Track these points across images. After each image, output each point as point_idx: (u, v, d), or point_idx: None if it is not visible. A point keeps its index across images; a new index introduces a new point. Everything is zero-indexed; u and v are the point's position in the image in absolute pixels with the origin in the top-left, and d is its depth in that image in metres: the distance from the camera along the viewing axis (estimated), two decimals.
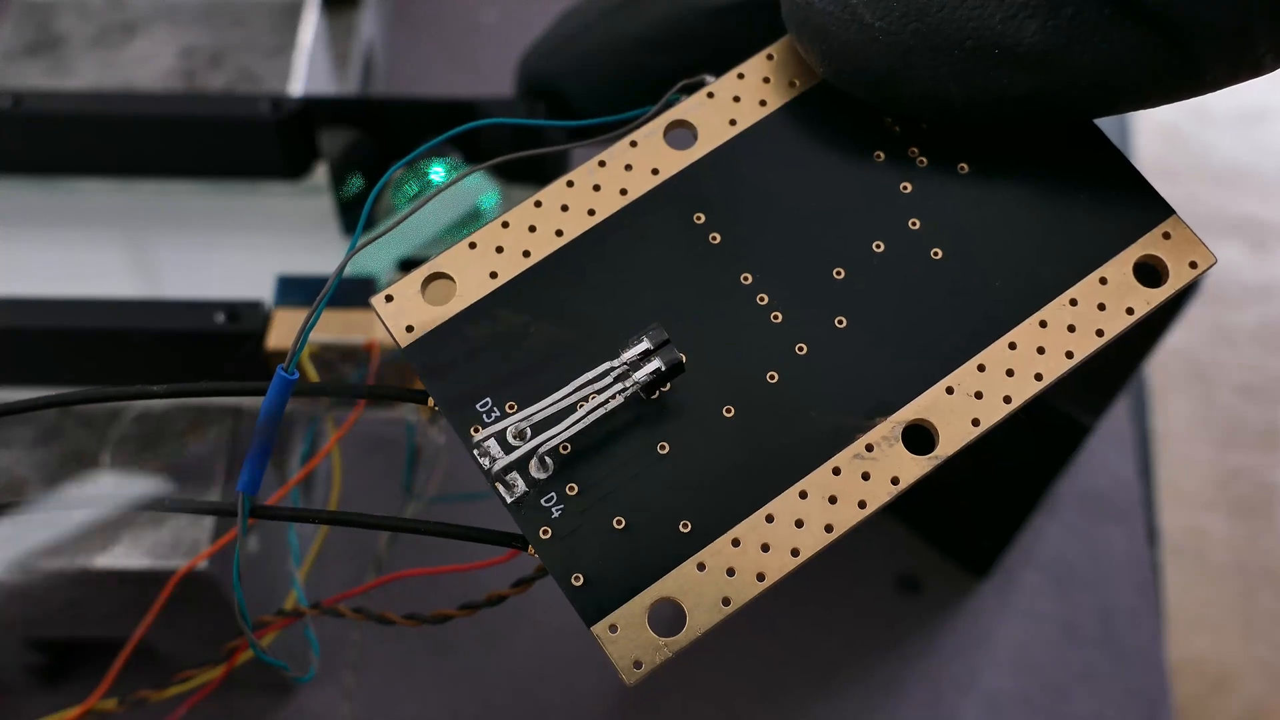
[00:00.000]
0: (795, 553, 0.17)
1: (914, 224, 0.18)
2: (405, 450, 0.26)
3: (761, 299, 0.18)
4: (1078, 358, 0.17)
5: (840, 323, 0.18)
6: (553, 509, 0.17)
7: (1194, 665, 0.36)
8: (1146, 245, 0.18)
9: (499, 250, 0.18)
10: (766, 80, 0.20)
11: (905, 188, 0.18)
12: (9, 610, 0.27)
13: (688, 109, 0.20)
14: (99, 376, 0.27)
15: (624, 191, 0.19)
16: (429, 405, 0.17)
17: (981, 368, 0.17)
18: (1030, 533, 0.36)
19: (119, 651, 0.23)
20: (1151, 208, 0.18)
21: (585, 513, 0.17)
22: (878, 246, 0.18)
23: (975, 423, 0.17)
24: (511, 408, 0.17)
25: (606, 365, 0.17)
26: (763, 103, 0.20)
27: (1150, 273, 0.18)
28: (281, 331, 0.25)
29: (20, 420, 0.27)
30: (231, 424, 0.27)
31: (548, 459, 0.17)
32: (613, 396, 0.17)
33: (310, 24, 0.35)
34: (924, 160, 0.18)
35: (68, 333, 0.26)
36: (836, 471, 0.17)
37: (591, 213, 0.19)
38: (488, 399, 0.17)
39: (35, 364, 0.27)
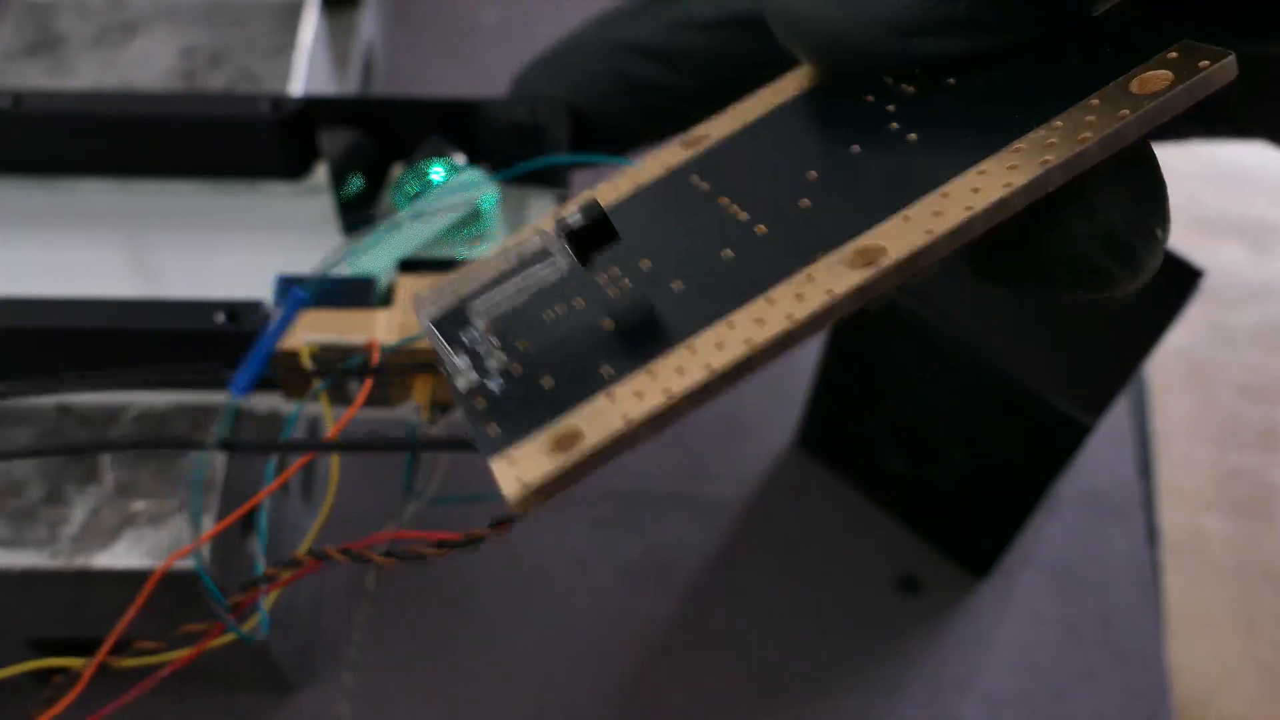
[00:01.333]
0: (709, 367, 0.15)
1: (894, 125, 0.18)
2: (406, 452, 0.26)
3: (732, 209, 0.18)
4: (1055, 161, 0.15)
5: (804, 204, 0.17)
6: (495, 388, 0.17)
7: (1194, 665, 0.36)
8: (1144, 69, 0.16)
9: None
10: (780, 90, 0.20)
11: (890, 109, 0.18)
12: (9, 610, 0.27)
13: (705, 125, 0.21)
14: (99, 378, 0.27)
15: (636, 184, 0.20)
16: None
17: (945, 194, 0.16)
18: (1030, 533, 0.36)
19: (118, 651, 0.23)
20: (1153, 40, 0.16)
21: (519, 381, 0.17)
22: (854, 149, 0.18)
23: (928, 233, 0.15)
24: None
25: (539, 231, 0.17)
26: (773, 102, 0.20)
27: (1150, 83, 0.16)
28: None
29: (20, 420, 0.27)
30: (231, 423, 0.27)
31: (500, 354, 0.17)
32: (549, 261, 0.17)
33: (310, 24, 0.35)
34: (911, 88, 0.18)
35: (68, 333, 0.26)
36: (771, 301, 0.16)
37: (607, 201, 0.20)
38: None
39: (35, 364, 0.27)
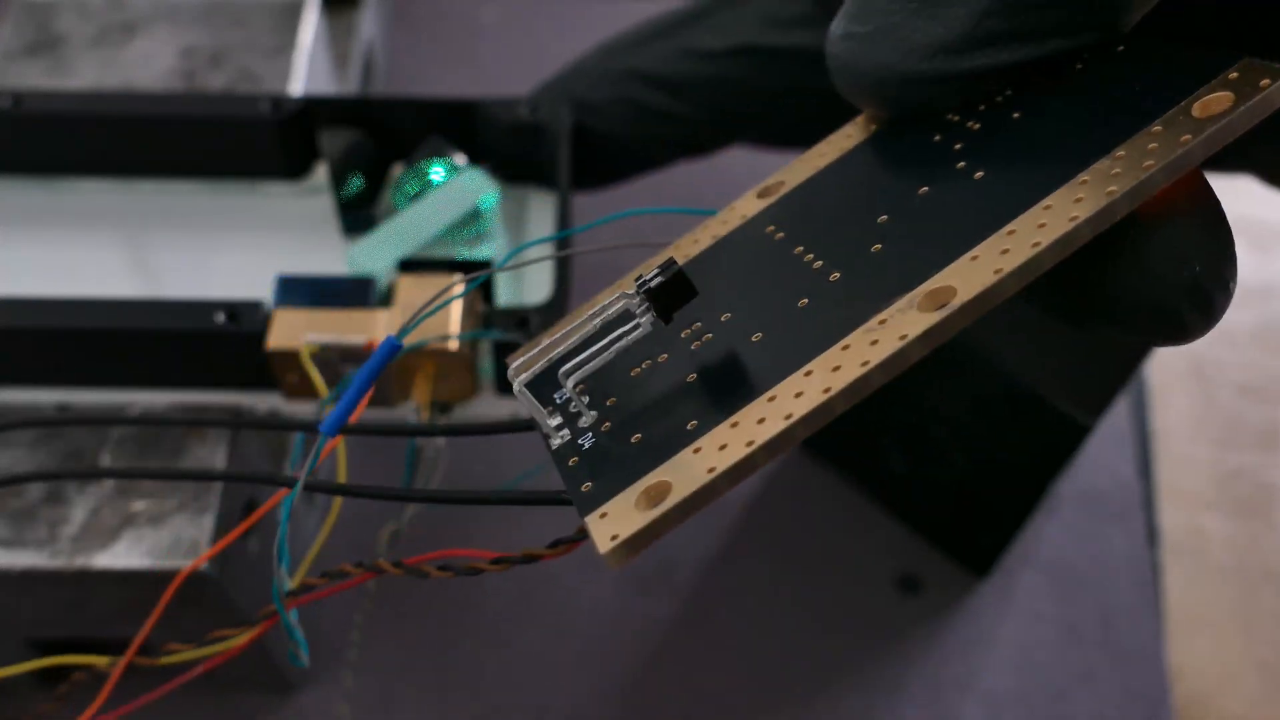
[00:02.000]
0: (788, 417, 0.16)
1: (960, 164, 0.18)
2: (405, 450, 0.26)
3: (807, 257, 0.18)
4: (1120, 191, 0.15)
5: (876, 249, 0.17)
6: (585, 444, 0.18)
7: (1194, 665, 0.36)
8: (1205, 93, 0.16)
9: None
10: (849, 136, 0.21)
11: (957, 147, 0.18)
12: (9, 610, 0.27)
13: (780, 172, 0.21)
14: (99, 376, 0.27)
15: (714, 236, 0.21)
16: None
17: (1011, 232, 0.16)
18: (1030, 533, 0.36)
19: (119, 652, 0.23)
20: (1212, 62, 0.16)
21: (609, 437, 0.17)
22: (922, 190, 0.18)
23: (997, 271, 0.15)
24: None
25: (621, 294, 0.18)
26: (842, 149, 0.20)
27: (1212, 106, 0.16)
28: (281, 331, 0.25)
29: (20, 420, 0.27)
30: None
31: (592, 411, 0.18)
32: (633, 322, 0.18)
33: (310, 24, 0.35)
34: (976, 125, 0.18)
35: (68, 333, 0.26)
36: (845, 347, 0.16)
37: (685, 256, 0.21)
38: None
39: (35, 364, 0.27)
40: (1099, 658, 0.34)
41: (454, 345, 0.25)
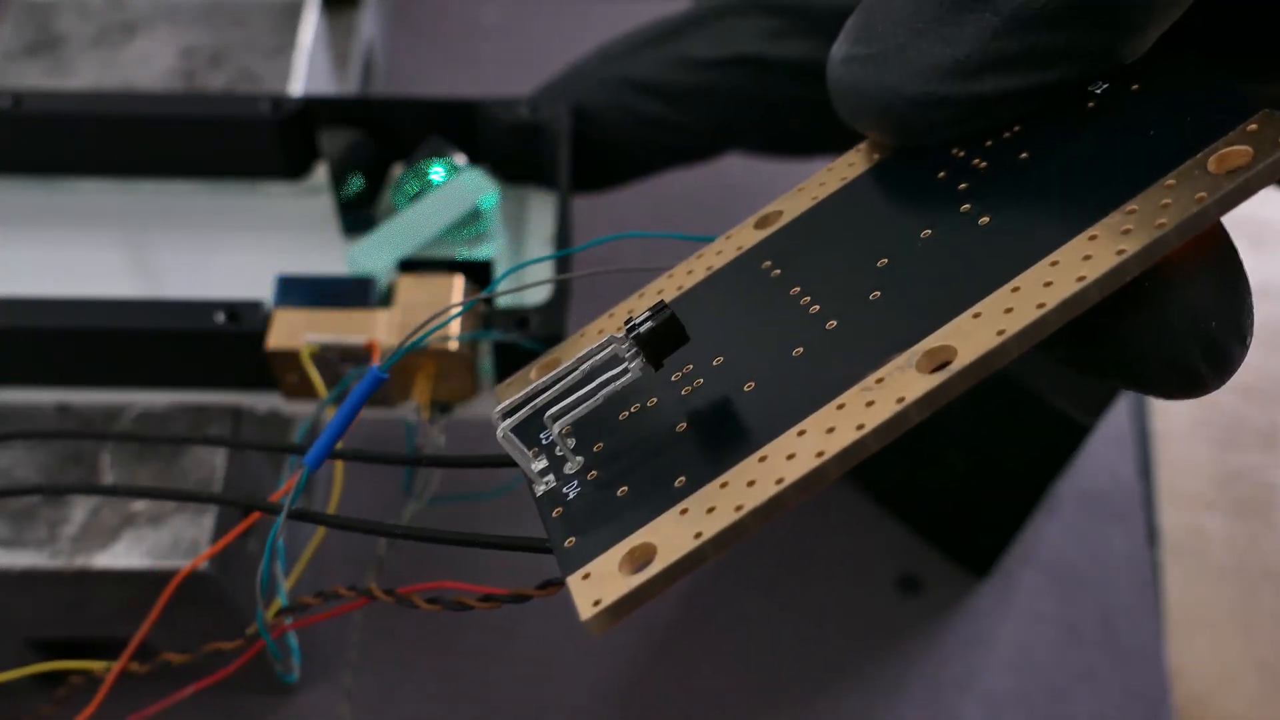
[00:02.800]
0: (779, 481, 0.15)
1: (965, 208, 0.17)
2: (405, 450, 0.26)
3: (804, 300, 0.18)
4: (1130, 251, 0.15)
5: (874, 296, 0.17)
6: (570, 494, 0.17)
7: (1194, 665, 0.36)
8: (1223, 144, 0.15)
9: None
10: (852, 165, 0.20)
11: (963, 186, 0.17)
12: (9, 610, 0.27)
13: (779, 201, 0.20)
14: (99, 377, 0.27)
15: (709, 267, 0.20)
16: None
17: (1016, 289, 0.15)
18: (1030, 533, 0.36)
19: (119, 652, 0.23)
20: (1233, 107, 0.15)
21: (595, 488, 0.17)
22: (925, 233, 0.17)
23: (1000, 333, 0.15)
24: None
25: (610, 337, 0.17)
26: (843, 178, 0.20)
27: (1229, 160, 0.15)
28: (281, 331, 0.25)
29: (20, 420, 0.27)
30: (231, 424, 0.27)
31: (578, 457, 0.17)
32: (621, 367, 0.17)
33: (310, 24, 0.35)
34: (983, 163, 0.18)
35: (68, 333, 0.26)
36: (841, 407, 0.15)
37: (679, 287, 0.20)
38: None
39: (35, 364, 0.27)
40: (1099, 658, 0.34)
41: (454, 345, 0.25)
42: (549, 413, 0.17)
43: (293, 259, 0.30)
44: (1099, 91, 0.17)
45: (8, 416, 0.27)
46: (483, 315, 0.26)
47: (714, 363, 0.18)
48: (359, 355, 0.25)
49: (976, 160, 0.18)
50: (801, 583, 0.35)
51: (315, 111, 0.30)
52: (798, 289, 0.18)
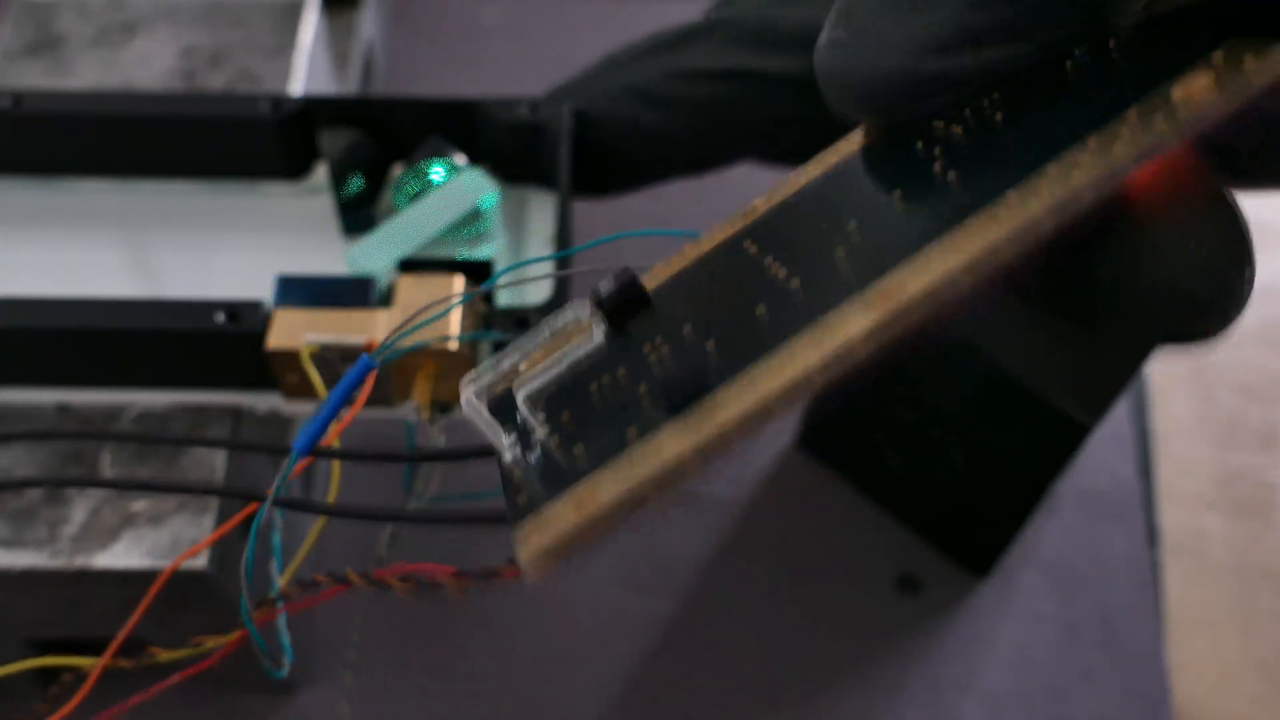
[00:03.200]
0: (723, 421, 0.15)
1: (936, 168, 0.17)
2: (405, 450, 0.26)
3: (773, 269, 0.18)
4: (1083, 178, 0.15)
5: (839, 254, 0.17)
6: (533, 459, 0.17)
7: (1194, 665, 0.36)
8: (1187, 77, 0.15)
9: None
10: (838, 150, 0.20)
11: (936, 151, 0.18)
12: (9, 610, 0.27)
13: (773, 189, 0.20)
14: (99, 376, 0.27)
15: (687, 257, 0.20)
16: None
17: (965, 227, 0.16)
18: (1030, 533, 0.36)
19: (125, 652, 0.23)
20: (1199, 43, 0.15)
21: (556, 452, 0.17)
22: (896, 194, 0.17)
23: (948, 264, 0.15)
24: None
25: (572, 303, 0.17)
26: (830, 162, 0.20)
27: (1193, 89, 0.15)
28: (281, 331, 0.25)
29: (20, 420, 0.27)
30: (231, 424, 0.27)
31: (544, 426, 0.17)
32: (587, 331, 0.17)
33: (310, 24, 0.35)
34: (958, 129, 0.18)
35: (68, 333, 0.26)
36: (791, 353, 0.16)
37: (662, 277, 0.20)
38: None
39: (35, 364, 0.27)
40: (1099, 658, 0.34)
41: (454, 345, 0.25)
42: (516, 384, 0.17)
43: (293, 259, 0.30)
44: (1079, 54, 0.17)
45: (8, 416, 0.27)
46: (482, 315, 0.26)
47: (683, 331, 0.18)
48: (359, 355, 0.25)
49: (955, 127, 0.18)
50: (801, 583, 0.35)
51: (315, 111, 0.30)
52: (770, 259, 0.18)
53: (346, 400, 0.20)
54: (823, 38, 0.19)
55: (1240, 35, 0.15)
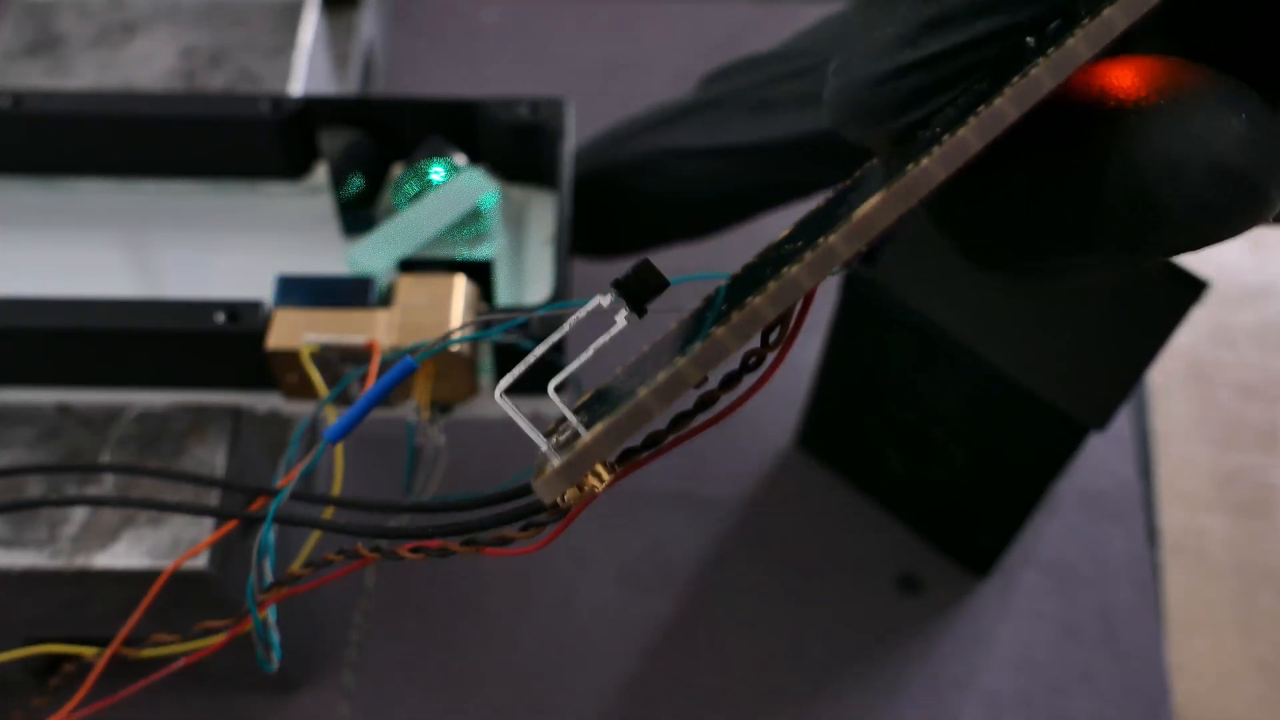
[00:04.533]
0: (718, 334, 0.16)
1: (920, 133, 0.18)
2: (405, 450, 0.26)
3: (786, 246, 0.19)
4: (1046, 65, 0.14)
5: (839, 213, 0.17)
6: (560, 438, 0.18)
7: (1194, 665, 0.36)
8: None
9: None
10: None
11: (923, 134, 0.18)
12: (9, 610, 0.27)
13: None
14: (99, 376, 0.27)
15: None
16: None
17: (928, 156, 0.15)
18: (1030, 533, 0.36)
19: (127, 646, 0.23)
20: None
21: (580, 426, 0.18)
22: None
23: (918, 164, 0.15)
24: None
25: (595, 298, 0.18)
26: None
27: None
28: (281, 331, 0.25)
29: (20, 420, 0.27)
30: (231, 424, 0.27)
31: (573, 412, 0.18)
32: (611, 320, 0.18)
33: (310, 24, 0.35)
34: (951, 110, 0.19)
35: (68, 333, 0.26)
36: (768, 283, 0.16)
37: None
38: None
39: (35, 364, 0.27)
40: (1099, 657, 0.34)
41: (454, 346, 0.25)
42: (548, 377, 0.18)
43: (293, 259, 0.30)
44: (1052, 29, 0.17)
45: (8, 416, 0.27)
46: (479, 314, 0.26)
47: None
48: (359, 355, 0.25)
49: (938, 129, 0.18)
50: (801, 583, 0.35)
51: (315, 111, 0.30)
52: (782, 234, 0.19)
53: (383, 395, 0.20)
54: (829, 77, 0.19)
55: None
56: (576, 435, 0.17)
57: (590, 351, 0.18)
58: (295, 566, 0.21)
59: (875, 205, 0.15)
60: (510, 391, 0.20)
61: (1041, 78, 0.15)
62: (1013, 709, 0.33)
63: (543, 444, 0.18)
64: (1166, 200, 0.13)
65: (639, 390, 0.16)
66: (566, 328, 0.18)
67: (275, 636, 0.21)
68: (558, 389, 0.18)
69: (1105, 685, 0.34)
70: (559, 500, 0.17)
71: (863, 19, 0.18)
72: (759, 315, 0.15)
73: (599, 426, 0.16)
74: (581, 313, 0.18)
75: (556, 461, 0.17)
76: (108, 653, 0.22)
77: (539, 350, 0.18)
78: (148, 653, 0.23)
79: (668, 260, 0.22)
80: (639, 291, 0.18)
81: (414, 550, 0.19)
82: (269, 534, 0.19)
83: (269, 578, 0.20)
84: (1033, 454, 0.32)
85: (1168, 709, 0.33)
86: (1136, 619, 0.35)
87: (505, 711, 0.33)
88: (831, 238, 0.15)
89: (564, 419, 0.18)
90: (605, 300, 0.18)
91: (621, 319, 0.18)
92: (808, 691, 0.33)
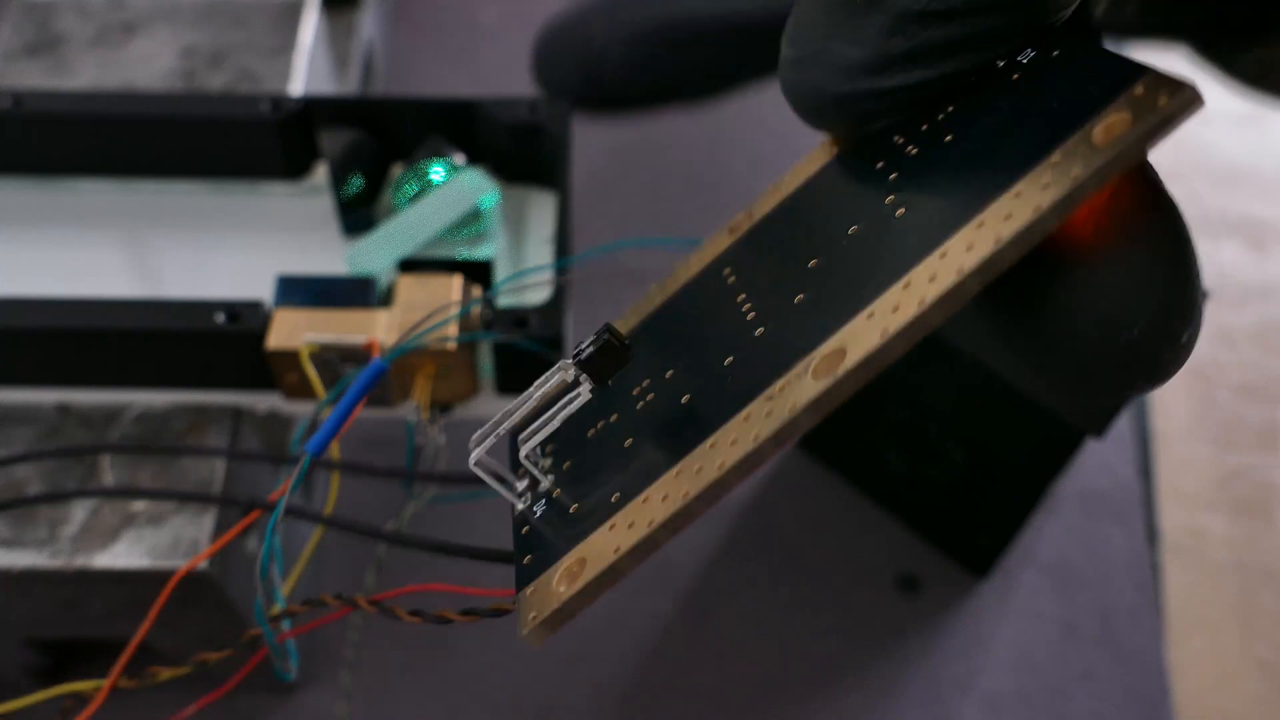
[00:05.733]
0: (686, 494, 0.16)
1: (889, 199, 0.17)
2: (405, 449, 0.26)
3: (744, 307, 0.19)
4: (1004, 239, 0.14)
5: (799, 299, 0.17)
6: (538, 512, 0.19)
7: (1194, 665, 0.36)
8: (1108, 114, 0.15)
9: None
10: (813, 159, 0.20)
11: (893, 176, 0.18)
12: (9, 610, 0.27)
13: (751, 203, 0.21)
14: (99, 376, 0.27)
15: (671, 287, 0.21)
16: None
17: (907, 285, 0.15)
18: (1030, 533, 0.36)
19: (119, 652, 0.23)
20: (1120, 76, 0.15)
21: (556, 509, 0.18)
22: (852, 230, 0.18)
23: (883, 333, 0.15)
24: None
25: (560, 364, 0.18)
26: (805, 175, 0.20)
27: (1113, 129, 0.15)
28: (281, 331, 0.25)
29: (20, 420, 0.27)
30: (231, 424, 0.27)
31: (550, 475, 0.19)
32: (571, 390, 0.18)
33: (310, 24, 0.35)
34: (913, 150, 0.18)
35: (68, 333, 0.26)
36: (747, 418, 0.16)
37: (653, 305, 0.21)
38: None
39: (35, 364, 0.27)
40: (1099, 658, 0.34)
41: (453, 346, 0.25)
42: (520, 436, 0.19)
43: (293, 259, 0.30)
44: (1025, 61, 0.17)
45: (8, 416, 0.27)
46: (482, 316, 0.26)
47: (666, 376, 0.19)
48: (359, 355, 0.25)
49: (910, 148, 0.18)
50: (801, 583, 0.35)
51: (315, 111, 0.30)
52: (742, 295, 0.19)
53: (357, 402, 0.20)
54: (783, 52, 0.19)
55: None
56: (550, 495, 0.18)
57: (558, 421, 0.18)
58: (287, 589, 0.21)
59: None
60: (506, 389, 0.20)
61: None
62: (1012, 709, 0.33)
63: (519, 504, 0.19)
64: (1082, 363, 0.15)
65: (613, 549, 0.17)
66: (532, 402, 0.18)
67: (291, 644, 0.21)
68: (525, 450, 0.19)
69: (1105, 685, 0.34)
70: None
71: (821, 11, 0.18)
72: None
73: (576, 588, 0.17)
74: (546, 385, 0.18)
75: (534, 614, 0.17)
76: (107, 685, 0.22)
77: (506, 422, 0.19)
78: (148, 683, 0.23)
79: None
80: (602, 367, 0.18)
81: (412, 613, 0.19)
82: (272, 540, 0.19)
83: (278, 585, 0.20)
84: (1032, 455, 0.32)
85: (1167, 709, 0.33)
86: (1136, 619, 0.35)
87: (505, 711, 0.33)
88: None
89: (534, 477, 0.19)
90: (569, 374, 0.18)
91: (585, 390, 0.18)
92: (808, 691, 0.33)
